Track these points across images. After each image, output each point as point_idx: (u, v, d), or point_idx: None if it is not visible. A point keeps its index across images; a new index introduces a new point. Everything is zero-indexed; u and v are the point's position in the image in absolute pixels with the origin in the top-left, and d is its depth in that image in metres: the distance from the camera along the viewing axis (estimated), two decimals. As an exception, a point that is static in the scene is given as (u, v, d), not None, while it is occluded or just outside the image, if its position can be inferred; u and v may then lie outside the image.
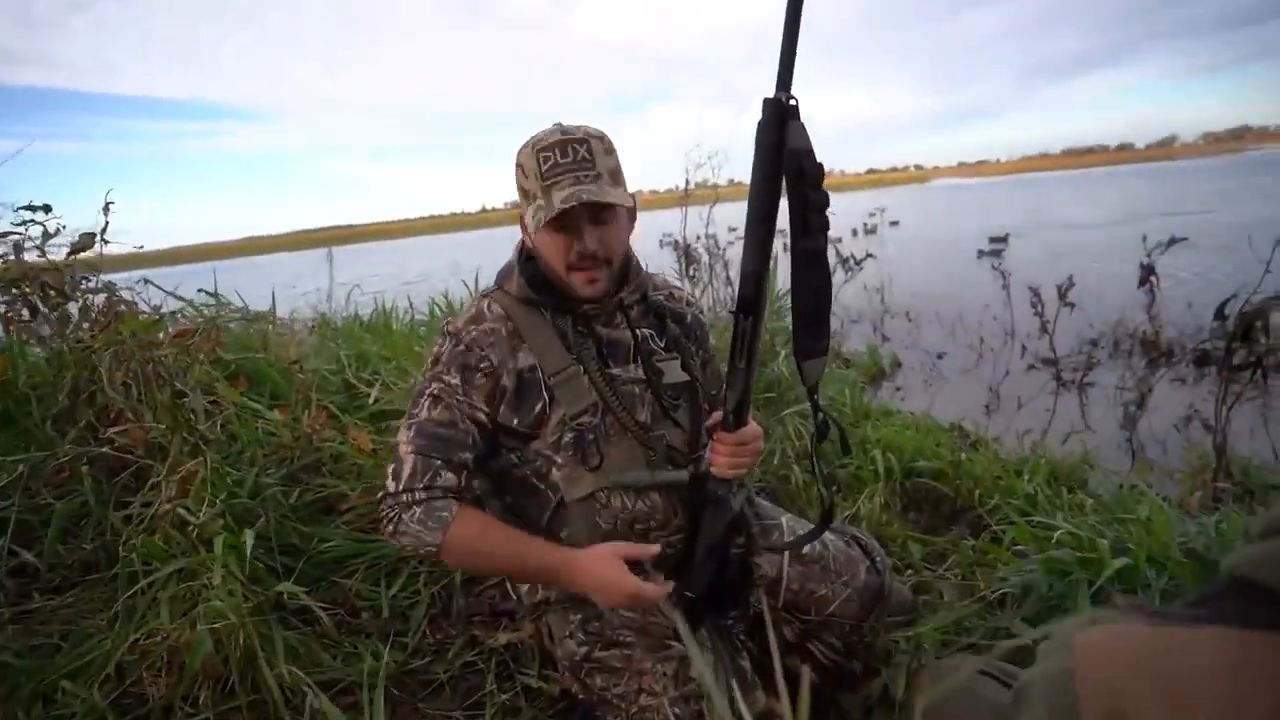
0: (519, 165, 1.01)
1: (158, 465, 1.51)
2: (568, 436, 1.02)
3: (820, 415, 0.97)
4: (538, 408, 1.03)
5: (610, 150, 1.02)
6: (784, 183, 0.83)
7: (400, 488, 0.99)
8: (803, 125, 0.82)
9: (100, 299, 1.70)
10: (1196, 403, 3.51)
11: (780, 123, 0.81)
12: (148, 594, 1.35)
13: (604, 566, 0.96)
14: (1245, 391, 2.51)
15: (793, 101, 0.80)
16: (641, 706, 1.00)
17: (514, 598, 1.36)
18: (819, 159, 0.83)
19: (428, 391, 1.03)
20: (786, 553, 1.13)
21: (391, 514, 0.99)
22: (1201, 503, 2.02)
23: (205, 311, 2.12)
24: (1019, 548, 1.49)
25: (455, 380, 1.02)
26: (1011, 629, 1.30)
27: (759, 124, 0.82)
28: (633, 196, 1.06)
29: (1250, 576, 0.38)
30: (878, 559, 1.17)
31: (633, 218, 1.08)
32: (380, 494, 1.03)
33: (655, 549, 1.00)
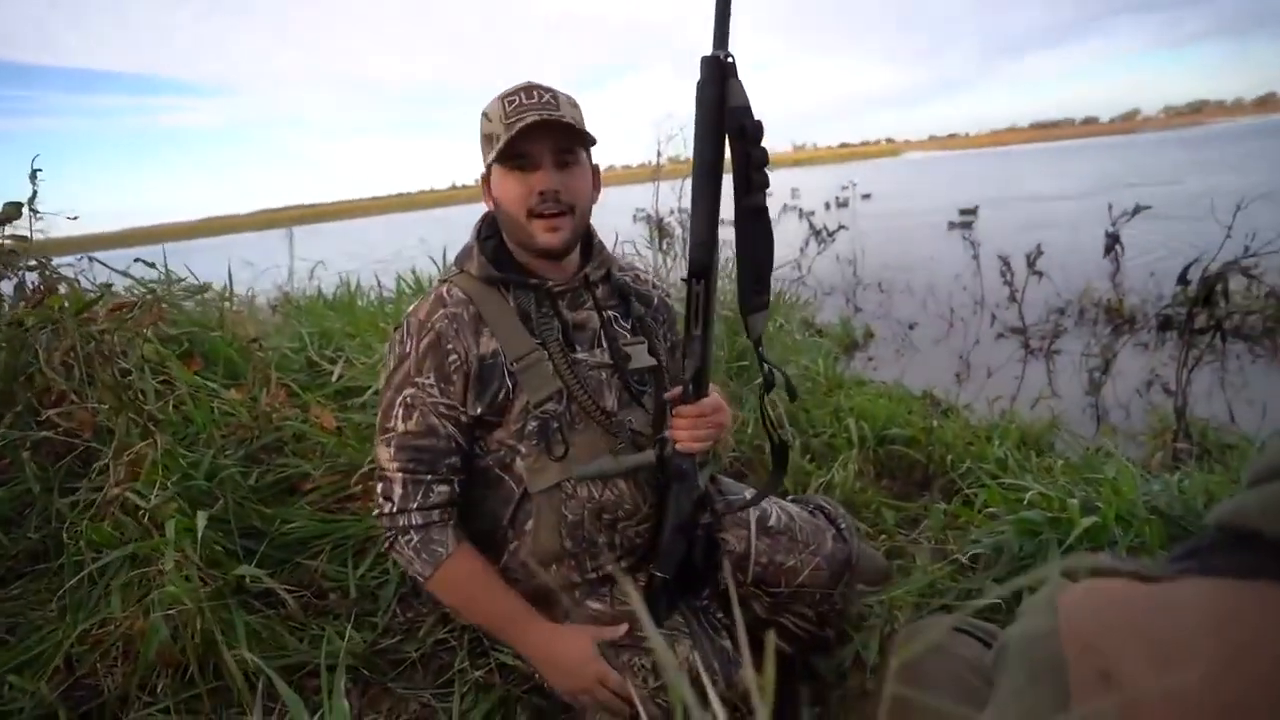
0: (484, 115, 0.98)
1: (105, 449, 1.44)
2: (531, 425, 0.99)
3: (766, 367, 0.97)
4: (500, 395, 0.99)
5: (575, 105, 0.99)
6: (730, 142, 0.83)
7: (395, 509, 0.99)
8: (740, 83, 0.82)
9: (34, 276, 1.59)
10: (1158, 368, 3.61)
11: (721, 80, 0.81)
12: (99, 582, 1.29)
13: (577, 647, 0.98)
14: (1205, 355, 2.58)
15: (730, 59, 0.81)
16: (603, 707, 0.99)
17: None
18: (758, 118, 0.83)
19: (399, 401, 0.98)
20: (753, 527, 1.12)
21: (389, 535, 1.01)
22: (1163, 463, 2.08)
23: (153, 288, 2.01)
24: (990, 510, 1.51)
25: (429, 380, 0.97)
26: (983, 590, 1.32)
27: (699, 83, 0.82)
28: (596, 167, 1.04)
29: (1243, 525, 0.36)
30: (843, 525, 1.17)
31: (597, 182, 1.05)
32: (375, 512, 1.03)
33: (624, 629, 1.02)
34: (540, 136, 0.93)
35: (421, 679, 1.27)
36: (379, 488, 1.01)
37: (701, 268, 0.89)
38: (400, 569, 1.06)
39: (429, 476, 0.99)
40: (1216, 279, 2.33)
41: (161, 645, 1.15)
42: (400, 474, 0.98)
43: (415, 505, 0.98)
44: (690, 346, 0.94)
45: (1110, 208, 4.50)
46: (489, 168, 1.00)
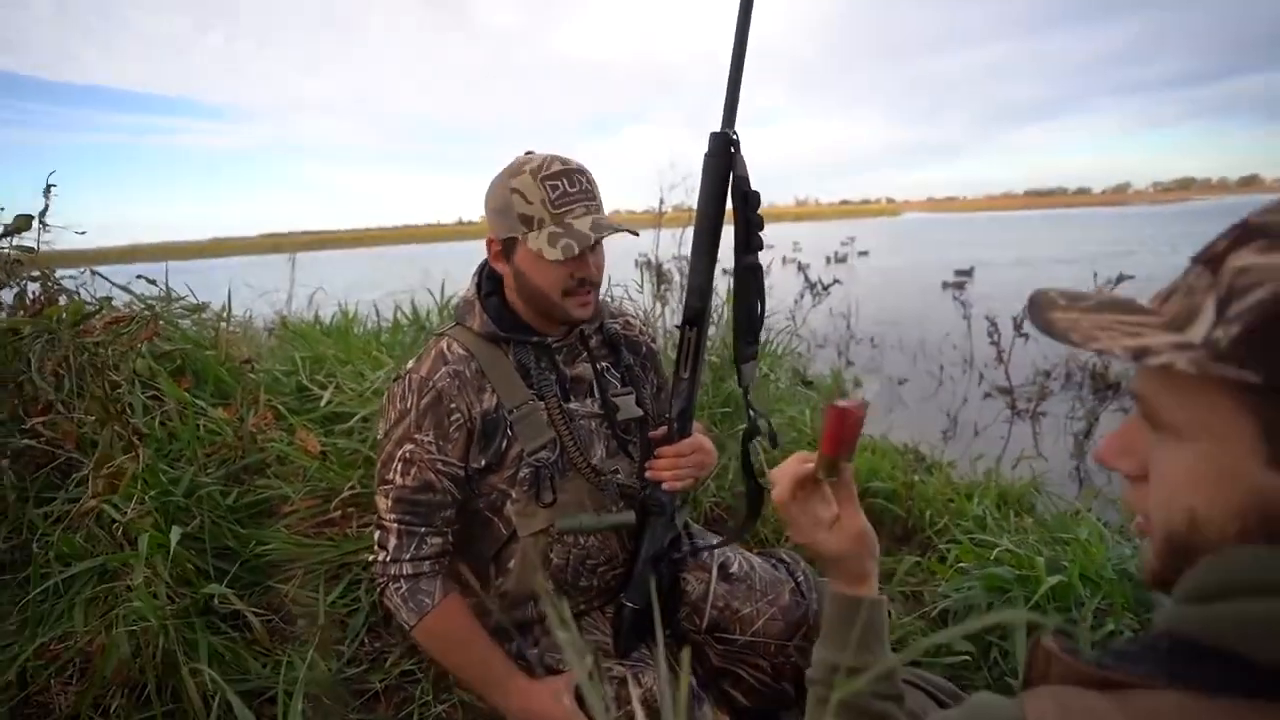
0: (516, 191, 0.97)
1: (86, 461, 1.44)
2: (524, 471, 1.02)
3: (751, 413, 1.01)
4: (502, 446, 1.02)
5: (595, 183, 1.04)
6: (730, 207, 0.93)
7: (389, 558, 1.01)
8: (743, 157, 0.93)
9: (35, 287, 1.62)
10: (1141, 434, 3.63)
11: (726, 154, 0.91)
12: (65, 596, 1.28)
13: (554, 706, 0.98)
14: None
15: (735, 136, 0.92)
16: None
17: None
18: (755, 189, 0.94)
19: (399, 455, 1.00)
20: (714, 572, 1.14)
21: (381, 582, 1.03)
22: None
23: (152, 304, 2.04)
24: (962, 565, 1.52)
25: (428, 439, 0.99)
26: (952, 645, 1.32)
27: (706, 154, 0.93)
28: None
29: (1214, 644, 0.36)
30: (801, 580, 1.18)
31: None
32: (370, 559, 1.07)
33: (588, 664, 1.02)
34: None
35: (384, 711, 1.26)
36: (376, 535, 1.03)
37: (696, 315, 0.97)
38: (386, 609, 1.08)
39: (423, 529, 1.01)
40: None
41: (121, 662, 1.14)
42: (396, 525, 1.01)
43: (408, 556, 1.00)
44: (678, 388, 1.00)
45: (1095, 275, 4.62)
46: (511, 239, 1.00)
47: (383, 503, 1.01)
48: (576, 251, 0.94)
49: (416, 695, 1.25)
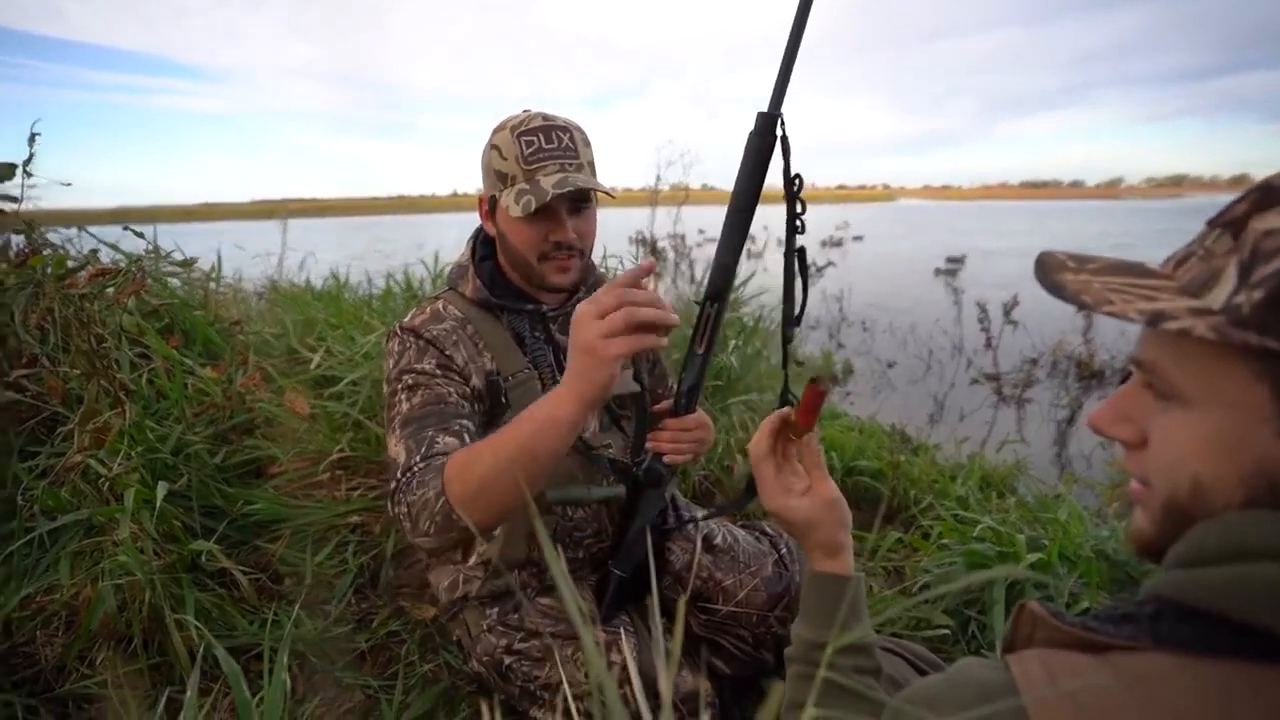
0: (494, 147, 0.96)
1: (72, 416, 1.43)
2: None
3: (790, 396, 1.02)
4: (497, 413, 1.00)
5: (588, 144, 1.00)
6: (783, 191, 0.89)
7: (400, 475, 0.86)
8: (789, 139, 0.88)
9: (20, 239, 1.59)
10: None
11: (772, 134, 0.86)
12: (50, 550, 1.28)
13: (579, 337, 0.75)
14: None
15: (782, 118, 0.86)
16: (565, 695, 1.00)
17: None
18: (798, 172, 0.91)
19: (400, 387, 0.93)
20: (699, 542, 1.15)
21: (399, 508, 0.84)
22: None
23: (139, 258, 2.01)
24: (944, 542, 1.54)
25: (429, 366, 0.95)
26: (932, 619, 1.35)
27: (751, 134, 0.88)
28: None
29: (1204, 606, 0.36)
30: (784, 552, 1.19)
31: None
32: (386, 497, 0.89)
33: (653, 262, 0.85)
34: (561, 198, 0.92)
35: (370, 670, 1.27)
36: (390, 481, 0.88)
37: (719, 291, 0.94)
38: (402, 526, 0.85)
39: (432, 431, 0.88)
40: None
41: (107, 615, 1.14)
42: (405, 440, 0.88)
43: (419, 458, 0.86)
44: (690, 362, 0.98)
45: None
46: (493, 196, 0.98)
47: (392, 439, 0.90)
48: (534, 208, 0.90)
49: (402, 655, 1.27)
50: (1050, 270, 0.43)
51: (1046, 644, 0.41)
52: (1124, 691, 0.35)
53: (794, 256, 0.95)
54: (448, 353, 0.96)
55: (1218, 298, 0.36)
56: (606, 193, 0.97)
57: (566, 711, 0.97)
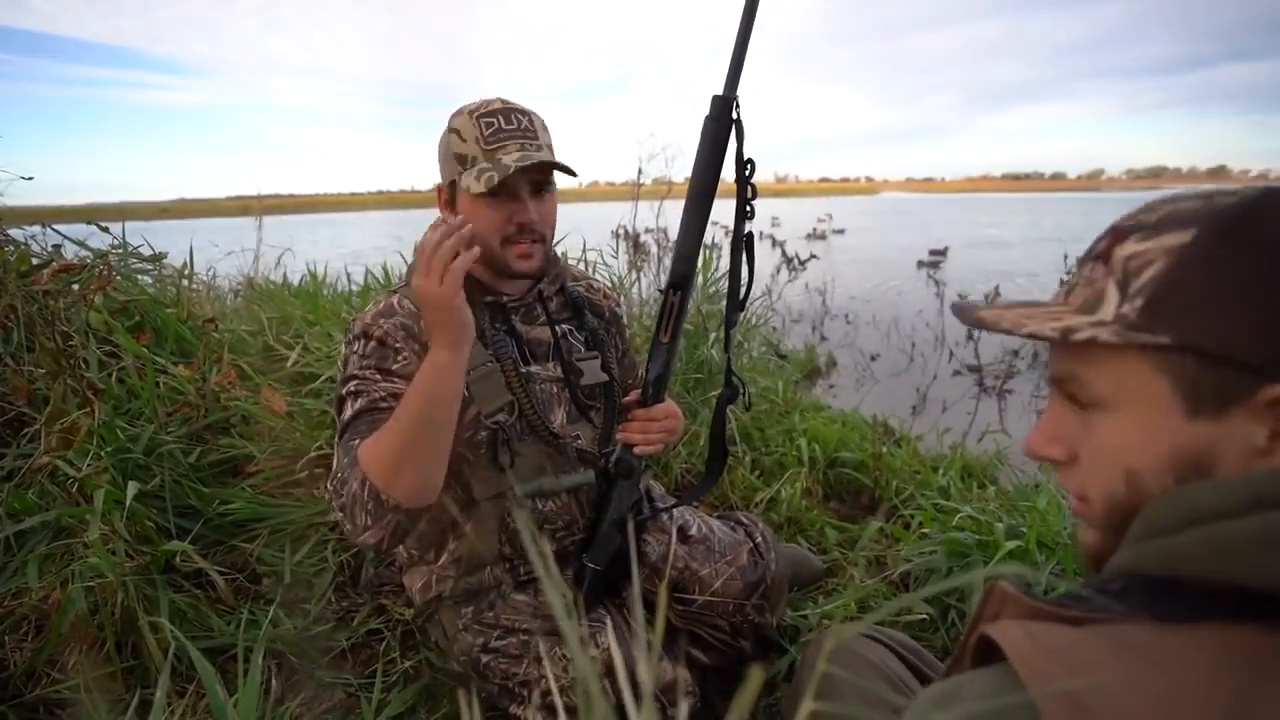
0: (452, 130, 0.96)
1: (39, 416, 1.39)
2: (481, 435, 0.99)
3: (734, 379, 1.02)
4: (461, 406, 0.99)
5: (546, 129, 1.00)
6: (734, 176, 0.92)
7: (330, 484, 0.89)
8: (743, 123, 0.91)
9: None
10: (1100, 412, 3.76)
11: (728, 118, 0.89)
12: (17, 554, 1.25)
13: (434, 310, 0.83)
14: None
15: (737, 101, 0.89)
16: (544, 691, 0.99)
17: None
18: (750, 157, 0.93)
19: (345, 393, 0.94)
20: (674, 534, 1.15)
21: (337, 514, 0.88)
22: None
23: (105, 253, 1.95)
24: (924, 531, 1.56)
25: (369, 370, 0.94)
26: (913, 608, 1.36)
27: (707, 118, 0.90)
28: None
29: (1167, 572, 0.37)
30: (759, 541, 1.19)
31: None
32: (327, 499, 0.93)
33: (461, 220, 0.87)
34: (524, 170, 0.93)
35: (351, 668, 1.26)
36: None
37: (682, 279, 0.95)
38: (343, 526, 0.88)
39: (359, 440, 0.89)
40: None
41: (78, 618, 1.12)
42: (340, 449, 0.91)
43: (346, 462, 0.88)
44: (656, 352, 0.99)
45: (1066, 257, 4.71)
46: (451, 183, 0.98)
47: (337, 450, 0.92)
48: (496, 181, 0.90)
49: (382, 652, 1.26)
50: (967, 311, 0.50)
51: (1018, 619, 0.41)
52: (1112, 657, 0.35)
53: (742, 241, 0.96)
54: (397, 346, 0.95)
55: (1108, 312, 0.42)
56: (568, 170, 0.96)
57: (546, 707, 0.96)
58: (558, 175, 0.98)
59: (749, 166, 0.92)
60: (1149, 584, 0.38)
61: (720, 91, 0.89)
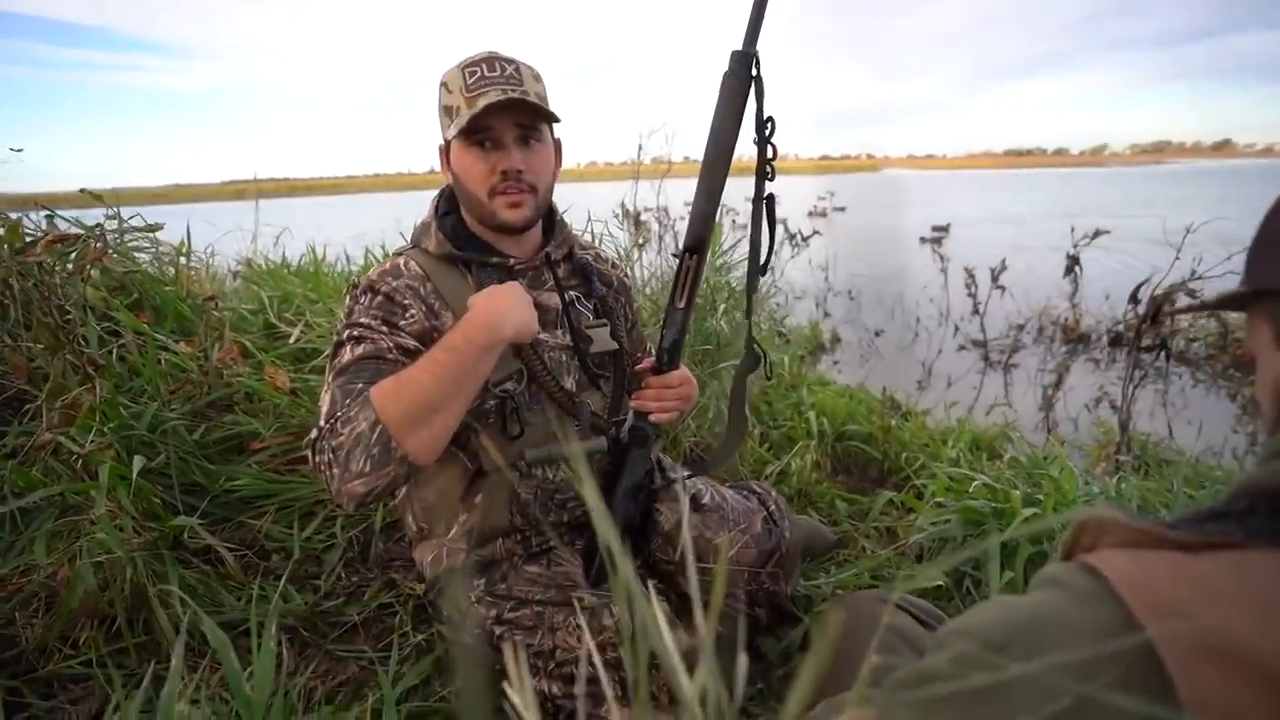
0: (442, 84, 0.95)
1: (40, 394, 1.37)
2: (489, 404, 0.97)
3: (756, 347, 0.99)
4: None
5: (540, 79, 0.97)
6: (755, 138, 0.88)
7: (323, 423, 0.83)
8: (763, 80, 0.87)
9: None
10: (1106, 385, 3.75)
11: (748, 74, 0.85)
12: (24, 532, 1.23)
13: (502, 293, 0.90)
14: (1150, 373, 2.69)
15: (757, 56, 0.85)
16: (559, 661, 0.97)
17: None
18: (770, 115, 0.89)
19: (345, 338, 0.90)
20: (686, 502, 1.13)
21: (321, 456, 0.82)
22: (1105, 471, 2.16)
23: (100, 224, 1.91)
24: (938, 500, 1.55)
25: (376, 320, 0.91)
26: (928, 578, 1.35)
27: (726, 74, 0.86)
28: (558, 142, 1.04)
29: None
30: (773, 509, 1.18)
31: (558, 158, 1.04)
32: (306, 447, 0.86)
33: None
34: (504, 114, 0.91)
35: (363, 642, 1.25)
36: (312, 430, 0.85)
37: (698, 242, 0.92)
38: (323, 476, 0.83)
39: (362, 384, 0.84)
40: (1164, 298, 2.44)
41: (88, 594, 1.11)
42: (335, 389, 0.84)
43: (341, 409, 0.82)
44: (671, 318, 0.96)
45: (1072, 230, 4.65)
46: (448, 141, 0.96)
47: (323, 389, 0.87)
48: (466, 122, 0.89)
49: (395, 625, 1.25)
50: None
51: (1120, 547, 0.37)
52: (1240, 589, 0.31)
53: (763, 202, 0.92)
54: (405, 302, 0.93)
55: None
56: (549, 114, 0.94)
57: (562, 677, 0.95)
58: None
59: (769, 125, 0.88)
60: (1276, 504, 0.35)
61: (739, 47, 0.85)
